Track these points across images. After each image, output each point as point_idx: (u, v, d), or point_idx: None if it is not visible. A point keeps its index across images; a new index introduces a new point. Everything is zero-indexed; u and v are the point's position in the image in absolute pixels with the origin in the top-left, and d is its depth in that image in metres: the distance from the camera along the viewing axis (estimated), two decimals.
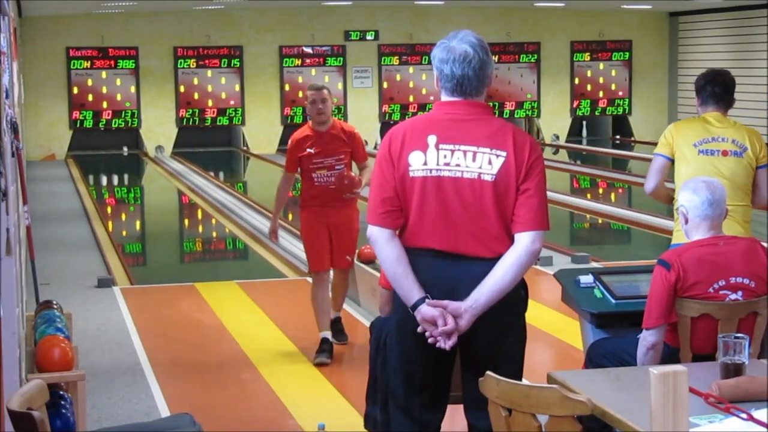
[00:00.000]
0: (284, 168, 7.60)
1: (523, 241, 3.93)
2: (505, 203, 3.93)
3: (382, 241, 4.03)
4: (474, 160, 3.94)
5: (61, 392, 5.34)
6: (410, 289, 3.96)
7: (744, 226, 5.97)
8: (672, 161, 6.05)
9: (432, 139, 3.97)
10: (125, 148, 24.13)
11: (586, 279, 5.40)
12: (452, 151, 3.95)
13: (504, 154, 3.93)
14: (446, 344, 3.91)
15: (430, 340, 3.93)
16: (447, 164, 3.95)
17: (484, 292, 3.90)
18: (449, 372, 4.10)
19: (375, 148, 24.66)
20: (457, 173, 3.94)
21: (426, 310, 3.92)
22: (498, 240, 3.95)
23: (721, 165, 5.96)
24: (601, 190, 17.88)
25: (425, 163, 3.96)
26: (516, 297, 4.02)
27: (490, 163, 3.93)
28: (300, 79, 24.55)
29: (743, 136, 6.01)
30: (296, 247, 10.88)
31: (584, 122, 26.43)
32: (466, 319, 3.90)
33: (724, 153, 5.97)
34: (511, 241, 3.95)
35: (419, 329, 3.95)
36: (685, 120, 6.26)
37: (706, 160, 5.96)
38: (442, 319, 3.90)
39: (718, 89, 6.05)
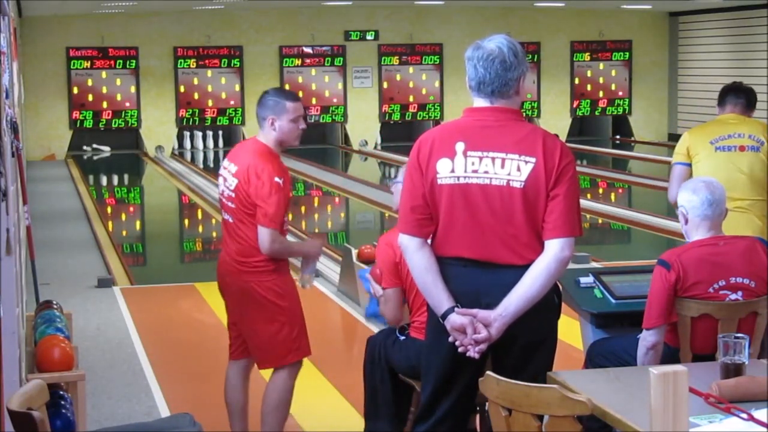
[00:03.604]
0: (273, 225, 5.12)
1: (553, 248, 3.89)
2: (535, 210, 3.89)
3: (411, 249, 3.99)
4: (503, 166, 3.89)
5: (61, 392, 5.34)
6: (440, 298, 3.94)
7: (762, 220, 6.00)
8: (690, 166, 6.09)
9: (460, 146, 3.92)
10: (107, 147, 24.03)
11: (586, 279, 5.39)
12: (480, 158, 3.91)
13: (533, 160, 3.88)
14: (475, 352, 3.90)
15: (460, 349, 3.91)
16: (475, 171, 3.91)
17: (513, 300, 3.87)
18: (477, 379, 4.06)
19: (375, 148, 24.71)
20: (486, 180, 3.90)
21: (455, 319, 3.90)
22: (528, 247, 3.91)
23: (739, 160, 6.00)
24: (601, 190, 17.88)
25: (453, 171, 3.92)
26: (551, 305, 4.01)
27: (518, 169, 3.88)
28: (300, 79, 24.56)
29: (759, 131, 6.09)
30: None
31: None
32: (495, 328, 3.88)
33: (742, 148, 6.02)
34: (543, 247, 3.91)
35: (450, 339, 3.93)
36: (700, 125, 6.36)
37: (723, 156, 6.01)
38: (472, 328, 3.88)
39: (739, 95, 6.18)
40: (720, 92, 6.35)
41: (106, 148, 24.09)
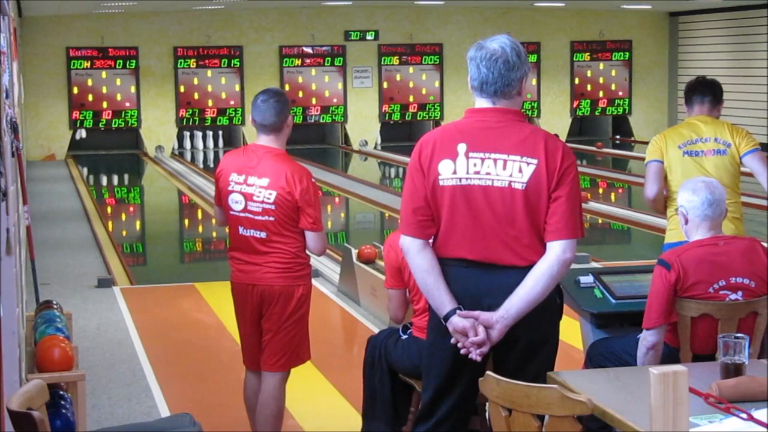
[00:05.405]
0: (322, 227, 5.26)
1: (554, 250, 3.88)
2: (537, 211, 3.88)
3: (413, 251, 3.98)
4: (504, 168, 3.89)
5: (61, 392, 5.33)
6: (441, 300, 3.93)
7: (735, 223, 6.00)
8: (664, 163, 6.10)
9: (462, 148, 3.92)
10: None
11: (586, 279, 5.39)
12: (482, 160, 3.90)
13: (535, 161, 3.88)
14: (477, 354, 3.89)
15: (462, 351, 3.91)
16: (477, 173, 3.90)
17: (515, 302, 3.87)
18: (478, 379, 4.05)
19: (375, 148, 24.71)
20: (488, 182, 3.89)
21: (457, 321, 3.89)
22: (530, 248, 3.90)
23: (706, 165, 6.02)
24: (601, 190, 17.88)
25: (455, 172, 3.91)
26: (553, 306, 4.00)
27: (520, 171, 3.87)
28: (300, 79, 24.57)
29: (724, 132, 6.09)
30: None
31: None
32: (497, 330, 3.87)
33: (707, 153, 6.04)
34: (545, 248, 3.90)
35: (452, 341, 3.93)
36: (670, 128, 6.36)
37: (691, 161, 6.03)
38: (474, 330, 3.87)
39: (704, 93, 6.16)
40: (685, 91, 6.29)
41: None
